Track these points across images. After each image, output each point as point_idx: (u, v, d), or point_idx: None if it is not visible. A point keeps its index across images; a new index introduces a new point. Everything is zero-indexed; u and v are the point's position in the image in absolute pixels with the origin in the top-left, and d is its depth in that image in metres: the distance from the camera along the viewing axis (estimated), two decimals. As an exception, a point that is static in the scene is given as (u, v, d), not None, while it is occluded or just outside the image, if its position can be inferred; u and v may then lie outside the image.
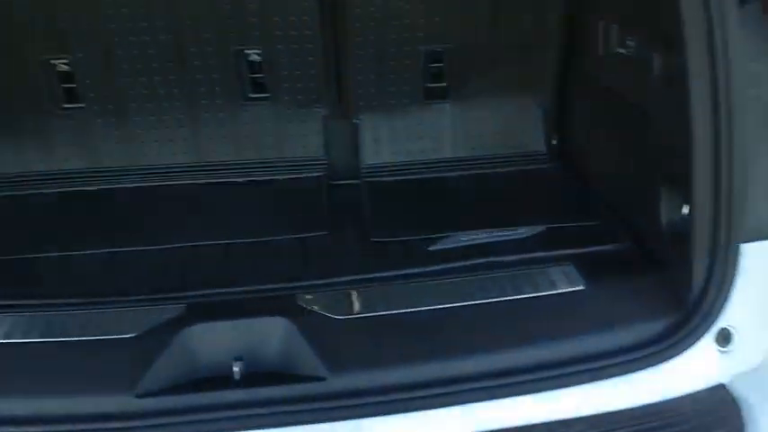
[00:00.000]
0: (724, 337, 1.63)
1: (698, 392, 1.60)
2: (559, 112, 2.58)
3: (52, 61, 2.33)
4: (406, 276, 1.83)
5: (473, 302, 1.71)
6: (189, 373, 1.53)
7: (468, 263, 1.86)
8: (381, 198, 2.34)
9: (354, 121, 2.53)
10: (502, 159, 2.54)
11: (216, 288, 1.81)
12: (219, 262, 1.99)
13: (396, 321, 1.66)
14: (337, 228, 2.15)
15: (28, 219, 2.29)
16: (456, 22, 2.38)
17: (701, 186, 1.60)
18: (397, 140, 2.54)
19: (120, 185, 2.43)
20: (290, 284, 1.80)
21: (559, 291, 1.73)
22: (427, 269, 1.85)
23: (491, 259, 1.87)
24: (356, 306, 1.73)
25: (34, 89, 2.36)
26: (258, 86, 2.47)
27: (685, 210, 1.66)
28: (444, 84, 2.51)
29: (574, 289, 1.74)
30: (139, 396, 1.47)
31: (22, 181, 2.44)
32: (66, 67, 2.34)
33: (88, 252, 2.03)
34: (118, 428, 1.45)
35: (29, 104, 2.39)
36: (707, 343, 1.61)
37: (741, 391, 1.62)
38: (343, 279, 1.83)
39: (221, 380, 1.51)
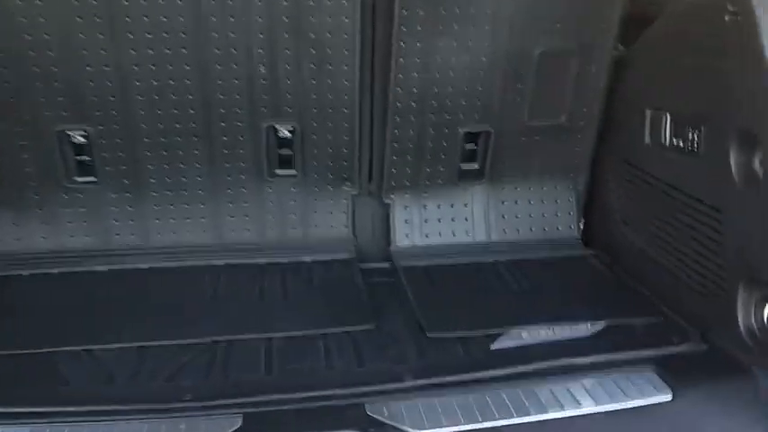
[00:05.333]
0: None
1: None
2: (589, 198, 2.54)
3: (68, 132, 2.14)
4: (474, 382, 1.69)
5: (552, 417, 1.58)
6: None
7: (540, 366, 1.73)
8: (420, 284, 2.21)
9: (385, 201, 2.42)
10: (535, 243, 2.47)
11: (271, 394, 1.62)
12: (265, 359, 1.80)
13: None
14: (384, 319, 2.00)
15: (32, 304, 2.05)
16: (495, 104, 2.32)
17: None
18: (430, 222, 2.44)
19: (132, 266, 2.23)
20: (354, 390, 1.64)
21: (646, 402, 1.62)
22: (497, 373, 1.71)
23: (564, 362, 1.75)
24: (430, 420, 1.57)
25: (44, 161, 2.15)
26: (285, 162, 2.34)
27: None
28: (477, 166, 2.44)
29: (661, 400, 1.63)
30: None
31: (25, 259, 2.21)
32: (82, 139, 2.15)
33: (113, 346, 1.82)
34: None
35: (36, 177, 2.18)
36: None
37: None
38: (409, 385, 1.68)
39: None
